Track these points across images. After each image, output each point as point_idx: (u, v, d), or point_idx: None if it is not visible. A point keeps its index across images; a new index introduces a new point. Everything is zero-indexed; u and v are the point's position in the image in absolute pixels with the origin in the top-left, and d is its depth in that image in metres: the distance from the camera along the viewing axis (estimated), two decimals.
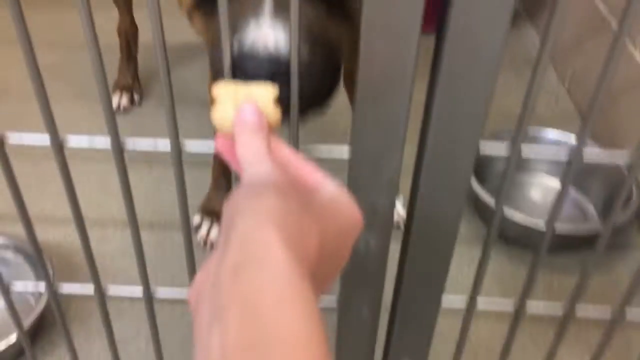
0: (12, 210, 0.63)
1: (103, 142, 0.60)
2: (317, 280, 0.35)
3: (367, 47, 0.49)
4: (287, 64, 0.52)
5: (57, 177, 0.61)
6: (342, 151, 0.58)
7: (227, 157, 0.48)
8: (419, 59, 0.50)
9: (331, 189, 0.43)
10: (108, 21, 1.85)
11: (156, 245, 1.26)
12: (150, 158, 1.42)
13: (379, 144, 0.56)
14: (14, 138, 0.60)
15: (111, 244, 1.26)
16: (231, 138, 0.47)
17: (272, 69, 0.61)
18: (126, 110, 1.61)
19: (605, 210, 1.30)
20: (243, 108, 0.46)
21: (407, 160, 0.58)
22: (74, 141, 0.60)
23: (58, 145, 0.60)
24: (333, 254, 0.40)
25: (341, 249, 0.42)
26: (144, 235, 1.29)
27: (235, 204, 0.37)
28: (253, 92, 0.48)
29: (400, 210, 1.28)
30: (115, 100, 1.59)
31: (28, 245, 0.68)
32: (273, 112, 0.47)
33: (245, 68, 0.61)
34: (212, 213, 1.27)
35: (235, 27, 0.64)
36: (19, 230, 0.66)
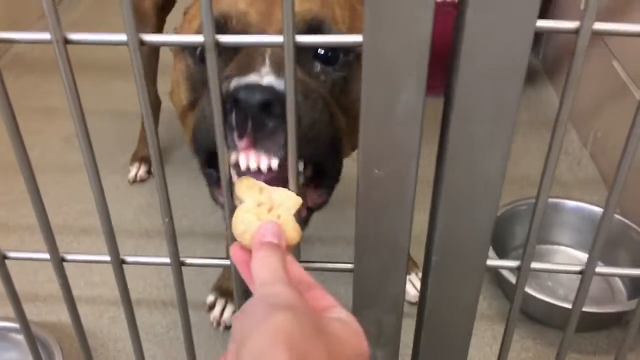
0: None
1: (103, 258, 0.59)
2: None
3: (365, 176, 0.48)
4: (282, 98, 0.52)
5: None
6: (347, 267, 0.56)
7: (241, 269, 0.48)
8: (427, 124, 0.47)
9: (342, 315, 0.43)
10: (132, 90, 1.89)
11: (170, 326, 1.24)
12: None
13: (382, 262, 0.54)
14: (15, 255, 0.60)
15: (124, 324, 1.24)
16: (248, 251, 0.46)
17: (269, 97, 0.59)
18: (143, 181, 1.62)
19: (635, 283, 1.25)
20: (265, 225, 0.46)
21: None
22: (74, 258, 0.60)
23: (58, 262, 0.59)
24: None
25: None
26: (158, 315, 1.28)
27: (247, 319, 0.38)
28: (277, 198, 0.47)
29: (417, 284, 1.25)
30: (133, 171, 1.61)
31: (37, 328, 0.67)
32: (293, 228, 0.46)
33: (244, 94, 0.59)
34: (227, 293, 1.25)
35: (229, 77, 0.63)
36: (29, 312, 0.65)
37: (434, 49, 0.43)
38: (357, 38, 0.44)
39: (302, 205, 0.48)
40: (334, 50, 0.67)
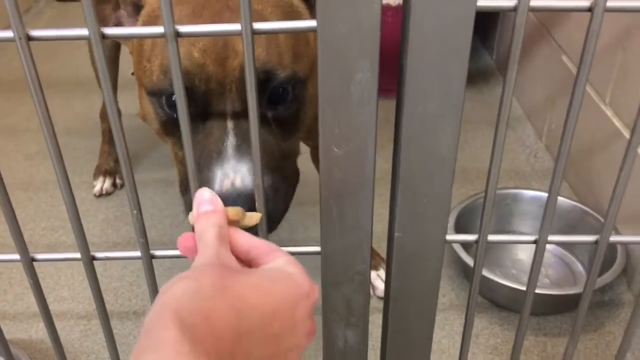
0: None
1: (73, 255, 0.60)
2: (256, 353, 0.40)
3: (326, 156, 0.50)
4: (251, 198, 0.56)
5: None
6: (314, 249, 0.58)
7: (190, 256, 0.50)
8: (382, 126, 0.50)
9: (279, 262, 0.46)
10: (90, 106, 1.89)
11: None
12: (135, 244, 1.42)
13: (347, 241, 0.56)
14: None
15: (95, 337, 1.24)
16: (192, 238, 0.49)
17: (242, 203, 0.64)
18: (109, 194, 1.62)
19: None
20: (199, 193, 0.50)
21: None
22: (44, 257, 0.60)
23: (28, 262, 0.60)
24: (279, 322, 0.42)
25: (289, 319, 0.43)
26: (130, 326, 1.28)
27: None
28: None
29: (378, 284, 1.27)
30: (98, 185, 1.61)
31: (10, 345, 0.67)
32: (238, 211, 0.50)
33: None
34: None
35: (201, 166, 0.67)
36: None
37: (385, 51, 0.46)
38: (311, 23, 0.46)
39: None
40: (282, 92, 0.71)
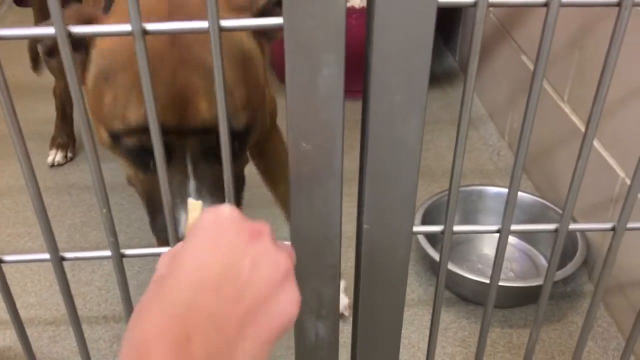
0: None
1: (42, 257, 0.60)
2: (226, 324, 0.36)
3: (294, 151, 0.51)
4: None
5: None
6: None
7: None
8: (349, 127, 0.51)
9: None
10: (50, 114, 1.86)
11: (113, 340, 1.23)
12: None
13: (317, 233, 0.57)
14: None
15: (64, 342, 1.22)
16: None
17: None
18: (60, 165, 1.77)
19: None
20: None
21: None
22: (12, 259, 0.60)
23: None
24: (232, 283, 0.38)
25: (238, 275, 0.39)
26: (100, 330, 1.27)
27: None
28: None
29: (343, 299, 1.24)
30: (50, 157, 1.76)
31: None
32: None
33: None
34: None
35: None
36: None
37: (350, 54, 0.48)
38: (277, 20, 0.47)
39: None
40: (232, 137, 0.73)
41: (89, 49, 0.76)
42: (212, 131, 0.72)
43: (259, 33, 0.80)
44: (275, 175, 1.15)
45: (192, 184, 0.73)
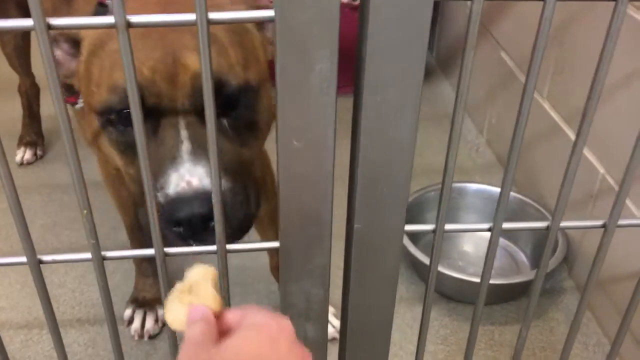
0: None
1: (19, 260, 0.57)
2: None
3: (285, 149, 0.49)
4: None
5: None
6: (273, 245, 0.57)
7: None
8: (340, 120, 0.50)
9: (246, 321, 0.47)
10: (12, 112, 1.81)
11: (88, 343, 1.19)
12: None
13: (307, 234, 0.56)
14: None
15: (37, 347, 1.18)
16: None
17: (201, 208, 0.64)
18: (30, 164, 1.72)
19: (535, 255, 1.34)
20: (191, 312, 0.49)
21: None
22: None
23: None
24: None
25: (274, 358, 0.44)
26: (74, 334, 1.23)
27: None
28: (192, 277, 0.50)
29: (333, 321, 1.21)
30: (19, 155, 1.71)
31: None
32: (214, 297, 0.49)
33: (177, 214, 0.64)
34: (144, 303, 1.22)
35: (156, 175, 0.67)
36: None
37: (341, 49, 0.46)
38: (268, 13, 0.45)
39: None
40: (234, 99, 0.71)
41: (79, 44, 0.75)
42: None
43: (261, 27, 0.78)
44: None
45: (185, 147, 0.67)
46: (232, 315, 0.49)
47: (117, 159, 0.75)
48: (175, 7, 0.70)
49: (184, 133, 0.68)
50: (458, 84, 0.49)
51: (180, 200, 0.63)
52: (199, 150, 0.66)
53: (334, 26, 0.45)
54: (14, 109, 1.80)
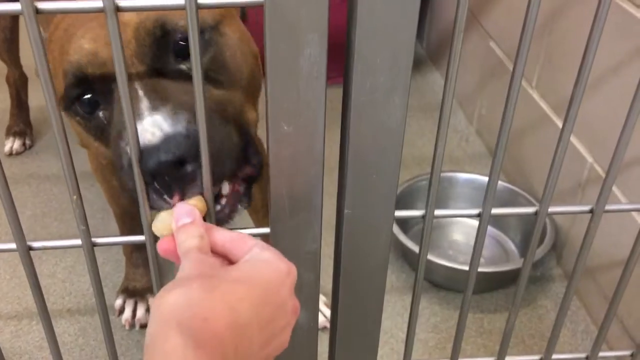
0: None
1: (8, 246, 0.57)
2: (256, 340, 0.43)
3: (275, 133, 0.49)
4: (184, 140, 0.58)
5: None
6: (263, 231, 0.57)
7: (171, 258, 0.52)
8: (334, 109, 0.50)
9: (255, 251, 0.48)
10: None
11: (78, 333, 1.19)
12: None
13: (298, 219, 0.56)
14: None
15: (27, 337, 1.18)
16: (171, 241, 0.52)
17: (170, 153, 0.59)
18: (18, 154, 1.72)
19: (524, 244, 1.35)
20: (178, 208, 0.52)
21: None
22: None
23: None
24: (269, 305, 0.45)
25: (277, 301, 0.46)
26: (64, 324, 1.23)
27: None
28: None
29: (324, 310, 1.22)
30: (7, 145, 1.71)
31: None
32: (200, 200, 0.54)
33: (148, 165, 0.59)
34: (134, 293, 1.22)
35: (125, 139, 0.63)
36: None
37: (334, 39, 0.46)
38: None
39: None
40: (185, 41, 0.66)
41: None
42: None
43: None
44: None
45: (144, 104, 0.63)
46: (229, 235, 0.50)
47: (96, 145, 0.73)
48: None
49: (140, 91, 0.64)
50: (447, 72, 0.49)
51: (147, 152, 0.58)
52: (158, 101, 0.63)
53: (323, 10, 0.45)
54: (2, 99, 1.79)
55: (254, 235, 0.58)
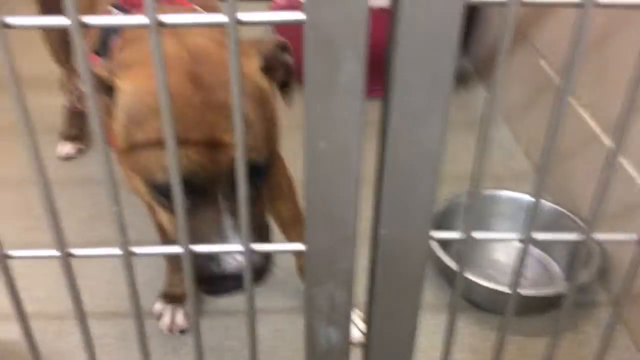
0: None
1: (50, 253, 0.58)
2: None
3: (311, 151, 0.49)
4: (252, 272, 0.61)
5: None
6: (298, 247, 0.57)
7: None
8: (368, 126, 0.50)
9: None
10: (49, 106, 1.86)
11: (119, 336, 1.21)
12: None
13: (332, 237, 0.56)
14: None
15: (69, 338, 1.21)
16: None
17: (240, 285, 0.74)
18: (71, 158, 1.77)
19: (570, 267, 1.31)
20: None
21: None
22: (19, 254, 0.58)
23: (1, 258, 0.58)
24: None
25: None
26: (106, 326, 1.25)
27: None
28: None
29: (360, 325, 1.20)
30: (62, 149, 1.76)
31: None
32: None
33: (224, 285, 0.75)
34: (174, 298, 1.24)
35: (201, 240, 0.74)
36: None
37: (373, 52, 0.46)
38: (299, 16, 0.45)
39: None
40: (258, 172, 0.79)
41: (113, 93, 0.76)
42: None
43: (269, 71, 0.82)
44: (279, 205, 1.14)
45: (227, 221, 0.75)
46: None
47: (162, 213, 0.81)
48: (206, 67, 0.73)
49: (224, 207, 0.75)
50: (490, 90, 0.48)
51: (228, 274, 0.73)
52: (237, 222, 0.75)
53: (362, 28, 0.45)
54: (57, 104, 1.85)
55: (289, 251, 0.58)
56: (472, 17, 2.11)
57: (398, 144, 0.50)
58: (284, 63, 0.84)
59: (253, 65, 0.79)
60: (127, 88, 0.75)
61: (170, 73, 0.74)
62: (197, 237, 0.75)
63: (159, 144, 0.73)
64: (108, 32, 0.92)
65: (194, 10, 0.99)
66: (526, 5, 0.44)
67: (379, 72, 0.53)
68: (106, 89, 0.76)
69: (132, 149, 0.75)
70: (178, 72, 0.74)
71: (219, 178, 0.74)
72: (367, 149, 0.55)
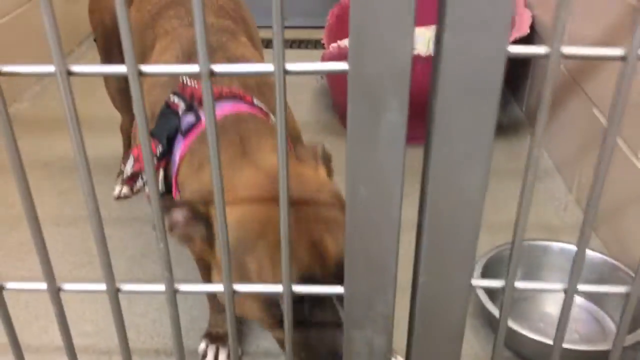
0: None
1: (99, 287, 0.61)
2: None
3: (352, 196, 0.50)
4: None
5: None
6: (337, 289, 0.58)
7: None
8: (408, 174, 0.51)
9: None
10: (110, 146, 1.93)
11: None
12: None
13: (372, 283, 0.56)
14: (13, 285, 0.61)
15: None
16: None
17: None
18: (127, 197, 1.81)
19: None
20: None
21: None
22: (71, 287, 0.61)
23: (54, 291, 0.61)
24: None
25: None
26: None
27: None
28: None
29: None
30: (117, 190, 1.81)
31: None
32: None
33: None
34: (217, 338, 1.25)
35: (315, 348, 0.79)
36: None
37: (414, 100, 0.47)
38: (343, 66, 0.47)
39: None
40: None
41: (210, 224, 0.81)
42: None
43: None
44: None
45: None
46: None
47: (277, 331, 0.84)
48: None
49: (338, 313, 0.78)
50: (533, 139, 0.49)
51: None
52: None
53: (405, 79, 0.46)
54: (116, 147, 1.92)
55: (329, 294, 0.58)
56: (525, 63, 2.10)
57: (439, 191, 0.50)
58: (327, 163, 0.90)
59: (323, 174, 0.85)
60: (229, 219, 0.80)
61: (264, 204, 0.79)
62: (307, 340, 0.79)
63: (269, 263, 0.77)
64: (171, 125, 0.96)
65: (256, 108, 1.02)
66: (567, 57, 0.44)
67: (420, 118, 0.54)
68: (200, 218, 0.81)
69: (243, 272, 0.79)
70: (267, 200, 0.80)
71: (325, 281, 0.77)
72: (408, 196, 0.55)
